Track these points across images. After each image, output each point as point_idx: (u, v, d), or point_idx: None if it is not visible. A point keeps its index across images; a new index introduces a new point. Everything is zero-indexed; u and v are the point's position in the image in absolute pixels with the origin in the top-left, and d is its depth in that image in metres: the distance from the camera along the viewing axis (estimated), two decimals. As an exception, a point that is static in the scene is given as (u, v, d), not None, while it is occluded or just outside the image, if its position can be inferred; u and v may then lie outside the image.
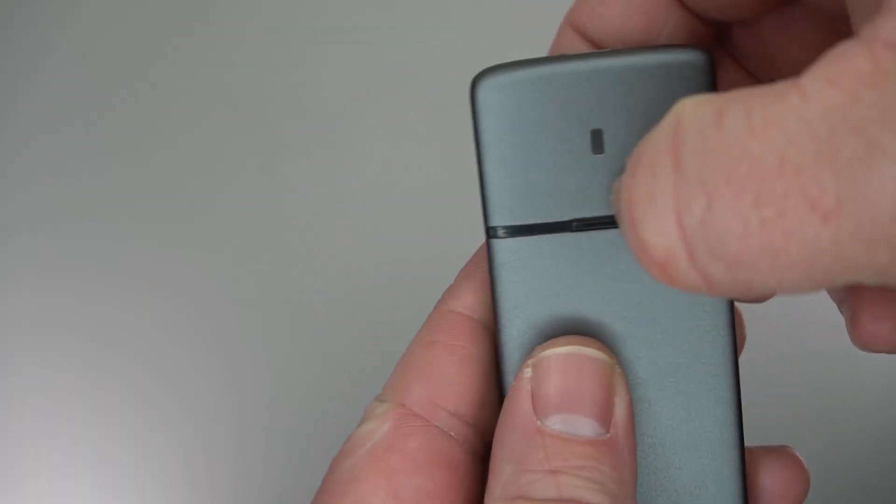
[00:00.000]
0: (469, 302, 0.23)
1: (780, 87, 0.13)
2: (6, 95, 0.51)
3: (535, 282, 0.21)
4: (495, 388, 0.22)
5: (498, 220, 0.21)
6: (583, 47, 0.23)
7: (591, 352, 0.20)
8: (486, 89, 0.21)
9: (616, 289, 0.21)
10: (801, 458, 0.23)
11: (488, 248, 0.21)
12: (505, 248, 0.21)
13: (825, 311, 0.26)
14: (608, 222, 0.20)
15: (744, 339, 0.25)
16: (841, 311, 0.24)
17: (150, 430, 0.45)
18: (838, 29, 0.20)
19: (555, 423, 0.19)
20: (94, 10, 0.52)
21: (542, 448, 0.19)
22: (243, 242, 0.48)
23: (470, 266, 0.24)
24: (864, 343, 0.23)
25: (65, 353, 0.46)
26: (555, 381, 0.19)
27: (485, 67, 0.21)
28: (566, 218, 0.20)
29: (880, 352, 0.23)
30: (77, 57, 0.52)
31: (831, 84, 0.12)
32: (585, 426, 0.19)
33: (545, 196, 0.20)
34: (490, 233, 0.21)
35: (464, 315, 0.22)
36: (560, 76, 0.20)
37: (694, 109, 0.14)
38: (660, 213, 0.14)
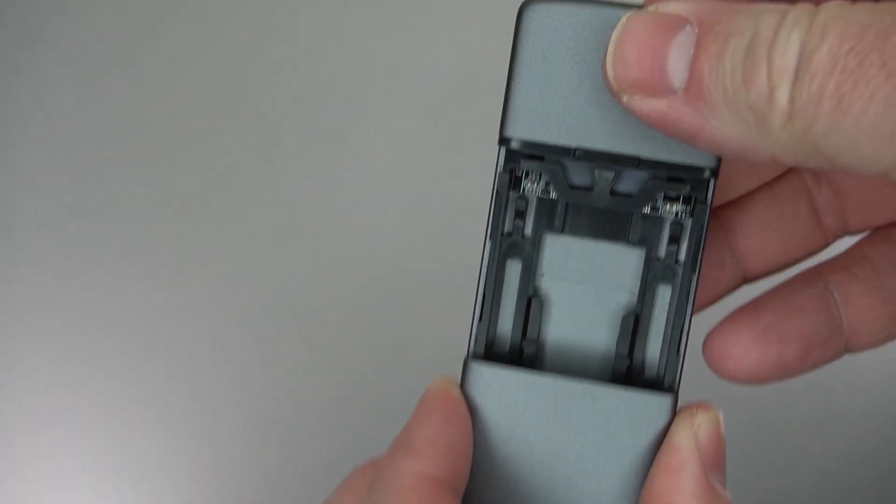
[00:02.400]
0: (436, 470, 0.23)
1: None
2: (6, 96, 0.51)
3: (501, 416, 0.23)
4: None
5: (512, 132, 0.23)
6: None
7: None
8: (532, 14, 0.23)
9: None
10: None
11: (499, 154, 0.24)
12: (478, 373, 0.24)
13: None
14: (610, 159, 0.23)
15: None
16: None
17: (149, 429, 0.45)
18: None
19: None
20: (94, 12, 0.52)
21: None
22: (244, 242, 0.48)
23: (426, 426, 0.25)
24: (715, 364, 0.24)
25: (65, 352, 0.46)
26: None
27: None
28: (572, 144, 0.22)
29: (733, 378, 0.24)
30: (78, 58, 0.52)
31: None
32: None
33: (558, 120, 0.22)
34: (504, 142, 0.23)
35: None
36: (600, 18, 0.22)
37: (831, 3, 0.17)
38: (779, 46, 0.17)
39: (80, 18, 0.52)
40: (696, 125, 0.19)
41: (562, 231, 0.24)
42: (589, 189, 0.23)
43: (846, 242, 0.26)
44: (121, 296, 0.47)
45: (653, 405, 0.23)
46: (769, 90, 0.17)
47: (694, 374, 0.25)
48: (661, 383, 0.23)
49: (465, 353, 0.25)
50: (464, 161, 0.48)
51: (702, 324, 0.25)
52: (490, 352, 0.24)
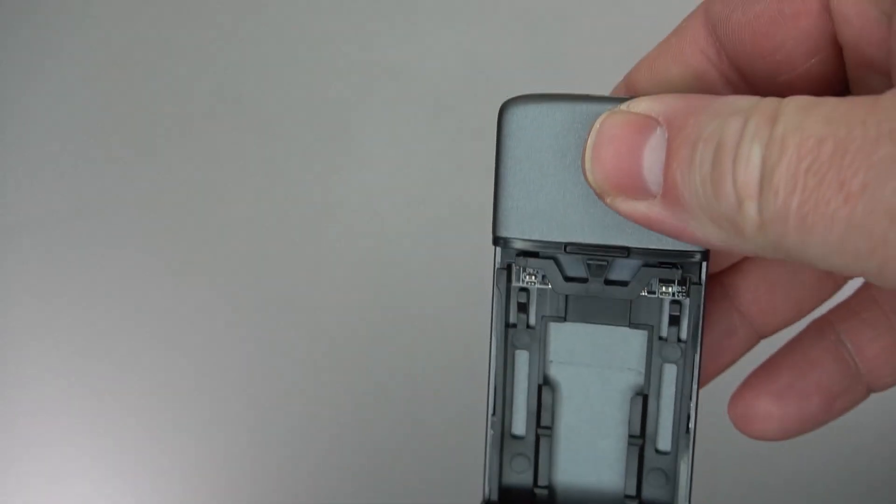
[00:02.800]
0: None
1: (862, 98, 0.16)
2: (7, 96, 0.51)
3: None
4: None
5: (504, 232, 0.24)
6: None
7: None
8: (511, 115, 0.24)
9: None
10: None
11: (495, 254, 0.25)
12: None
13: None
14: (595, 251, 0.23)
15: None
16: None
17: (149, 428, 0.45)
18: None
19: None
20: (94, 13, 0.52)
21: None
22: (244, 242, 0.48)
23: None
24: (741, 427, 0.25)
25: (65, 351, 0.46)
26: None
27: (513, 97, 0.24)
28: (562, 240, 0.23)
29: (760, 437, 0.25)
30: (78, 58, 0.52)
31: (893, 105, 0.16)
32: None
33: (547, 217, 0.23)
34: (497, 242, 0.24)
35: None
36: (577, 114, 0.23)
37: (795, 100, 0.17)
38: (742, 159, 0.17)
39: (81, 19, 0.52)
40: (678, 227, 0.19)
41: (565, 319, 0.25)
42: (584, 280, 0.24)
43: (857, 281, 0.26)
44: (121, 296, 0.47)
45: None
46: (737, 203, 0.17)
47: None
48: None
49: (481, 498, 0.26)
50: (464, 161, 0.48)
51: (730, 381, 0.26)
52: (506, 496, 0.25)
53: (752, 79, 0.23)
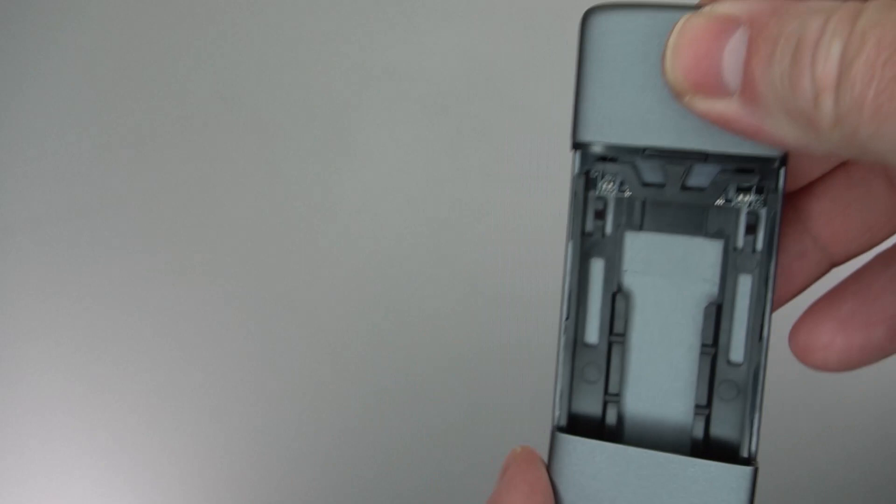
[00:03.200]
0: None
1: None
2: (6, 96, 0.51)
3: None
4: None
5: (584, 137, 0.24)
6: None
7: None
8: (595, 22, 0.24)
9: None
10: None
11: (573, 159, 0.25)
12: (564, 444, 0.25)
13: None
14: (680, 155, 0.23)
15: None
16: None
17: (150, 428, 0.45)
18: None
19: None
20: (94, 14, 0.52)
21: None
22: (244, 242, 0.48)
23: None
24: (803, 356, 0.25)
25: (66, 350, 0.46)
26: None
27: (596, 4, 0.24)
28: (641, 144, 0.23)
29: (821, 368, 0.24)
30: (78, 59, 0.52)
31: None
32: None
33: (627, 121, 0.23)
34: (577, 147, 0.24)
35: None
36: (659, 21, 0.23)
37: (873, 1, 0.18)
38: (821, 54, 0.18)
39: (81, 20, 0.52)
40: (755, 125, 0.19)
41: (641, 228, 0.25)
42: (661, 185, 0.24)
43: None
44: (120, 295, 0.47)
45: (732, 476, 0.24)
46: (814, 97, 0.18)
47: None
48: (739, 451, 0.24)
49: (551, 422, 0.25)
50: (464, 161, 0.48)
51: (791, 315, 0.25)
52: (573, 421, 0.25)
53: None
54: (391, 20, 0.52)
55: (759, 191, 0.24)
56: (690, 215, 0.25)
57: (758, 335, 0.24)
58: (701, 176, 0.24)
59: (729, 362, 0.25)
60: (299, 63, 0.51)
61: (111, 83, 0.51)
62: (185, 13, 0.52)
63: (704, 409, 0.24)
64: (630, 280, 0.25)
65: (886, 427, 0.45)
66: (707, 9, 0.20)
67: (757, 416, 0.24)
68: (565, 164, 0.43)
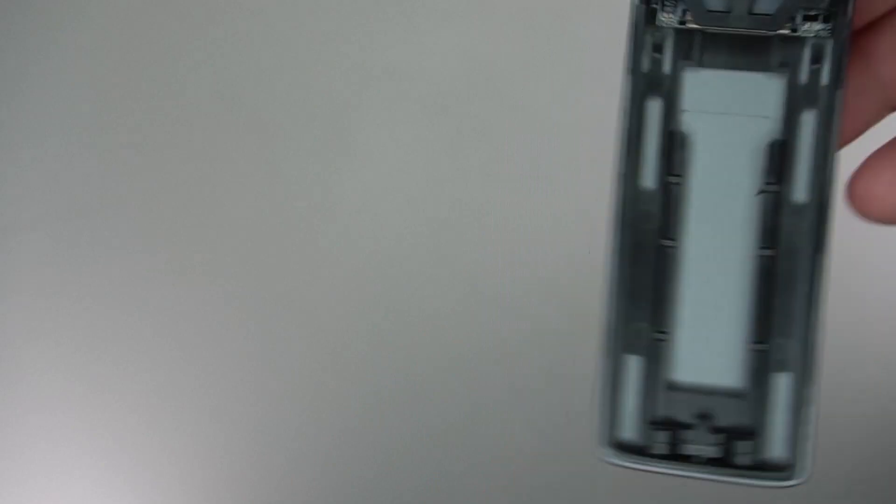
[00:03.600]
0: None
1: None
2: (6, 96, 0.51)
3: None
4: None
5: None
6: None
7: None
8: None
9: None
10: None
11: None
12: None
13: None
14: None
15: None
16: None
17: (149, 429, 0.45)
18: None
19: None
20: (93, 12, 0.52)
21: None
22: (244, 242, 0.48)
23: None
24: (860, 207, 0.23)
25: (65, 351, 0.46)
26: None
27: None
28: None
29: (877, 219, 0.23)
30: (77, 58, 0.52)
31: None
32: None
33: None
34: None
35: None
36: None
37: None
38: None
39: (81, 19, 0.52)
40: None
41: (700, 64, 0.23)
42: (726, 12, 0.22)
43: None
44: (120, 296, 0.47)
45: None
46: None
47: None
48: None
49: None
50: (464, 161, 0.48)
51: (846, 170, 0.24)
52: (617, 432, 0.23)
53: None
54: (391, 20, 0.52)
55: (826, 19, 0.22)
56: (751, 49, 0.23)
57: (824, 175, 0.23)
58: (766, 2, 0.22)
59: (792, 204, 0.23)
60: (299, 63, 0.51)
61: (111, 83, 0.51)
62: (184, 13, 0.52)
63: (769, 250, 0.23)
64: (688, 120, 0.23)
65: (885, 424, 0.45)
66: None
67: (825, 169, 0.22)
68: (565, 164, 0.43)
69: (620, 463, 0.23)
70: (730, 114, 0.23)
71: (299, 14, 0.52)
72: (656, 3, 0.23)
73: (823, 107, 0.23)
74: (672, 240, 0.23)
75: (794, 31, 0.23)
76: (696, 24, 0.23)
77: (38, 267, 0.48)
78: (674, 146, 0.23)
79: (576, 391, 0.45)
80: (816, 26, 0.23)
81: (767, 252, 0.23)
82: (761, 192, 0.23)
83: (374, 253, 0.47)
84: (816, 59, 0.23)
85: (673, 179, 0.23)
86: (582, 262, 0.45)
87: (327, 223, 0.48)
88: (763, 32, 0.23)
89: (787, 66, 0.23)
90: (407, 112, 0.49)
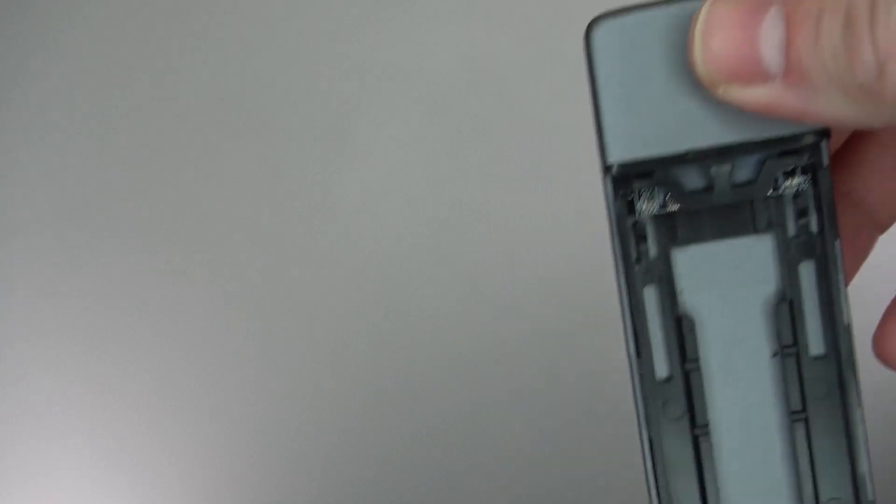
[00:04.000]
0: None
1: None
2: (6, 96, 0.51)
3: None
4: None
5: (615, 157, 0.22)
6: None
7: None
8: (602, 33, 0.22)
9: None
10: None
11: (606, 185, 0.22)
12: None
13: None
14: (723, 152, 0.21)
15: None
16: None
17: (149, 429, 0.45)
18: None
19: None
20: (93, 12, 0.52)
21: None
22: (244, 242, 0.48)
23: None
24: (878, 351, 0.24)
25: (65, 351, 0.46)
26: None
27: (598, 15, 0.22)
28: (682, 149, 0.21)
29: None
30: (77, 57, 0.52)
31: None
32: None
33: (659, 129, 0.21)
34: (609, 170, 0.22)
35: None
36: (673, 15, 0.21)
37: None
38: (880, 22, 0.16)
39: (81, 19, 0.52)
40: (801, 107, 0.18)
41: (687, 241, 0.23)
42: (708, 189, 0.22)
43: None
44: (120, 296, 0.47)
45: None
46: (878, 67, 0.16)
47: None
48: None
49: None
50: (464, 161, 0.48)
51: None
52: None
53: None
54: (391, 20, 0.52)
55: (804, 171, 0.22)
56: (734, 215, 0.23)
57: (839, 324, 0.22)
58: (744, 169, 0.22)
59: (813, 357, 0.23)
60: (299, 63, 0.51)
61: (111, 83, 0.51)
62: (184, 13, 0.52)
63: (800, 413, 0.23)
64: (689, 300, 0.23)
65: (883, 423, 0.45)
66: None
67: (841, 323, 0.22)
68: (565, 164, 0.43)
69: None
70: (729, 285, 0.23)
71: (299, 14, 0.52)
72: (633, 195, 0.22)
73: (821, 256, 0.22)
74: (703, 426, 0.23)
75: (777, 189, 0.22)
76: (682, 207, 0.22)
77: (38, 267, 0.48)
78: (682, 330, 0.23)
79: (576, 391, 0.45)
80: (797, 180, 0.22)
81: (800, 415, 0.23)
82: (776, 354, 0.23)
83: (374, 253, 0.47)
84: (803, 212, 0.22)
85: (690, 366, 0.23)
86: (582, 262, 0.45)
87: (327, 223, 0.48)
88: (750, 199, 0.22)
89: (774, 225, 0.23)
90: (407, 112, 0.49)
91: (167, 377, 0.46)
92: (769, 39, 0.18)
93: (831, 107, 0.18)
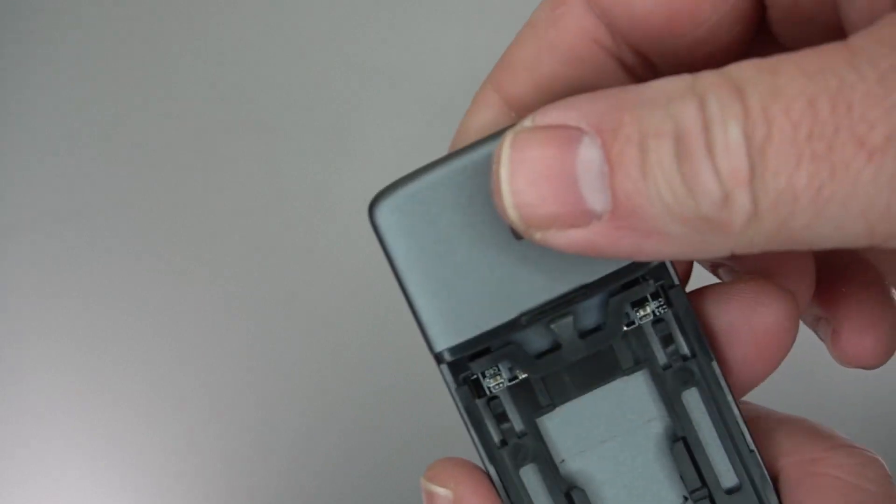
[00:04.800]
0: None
1: (828, 46, 0.14)
2: (6, 96, 0.51)
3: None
4: None
5: (442, 345, 0.20)
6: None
7: None
8: (385, 211, 0.20)
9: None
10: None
11: (443, 374, 0.20)
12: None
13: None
14: (556, 307, 0.19)
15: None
16: (817, 333, 0.24)
17: (149, 429, 0.45)
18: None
19: None
20: (94, 14, 0.52)
21: None
22: (244, 242, 0.48)
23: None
24: (847, 358, 0.23)
25: (65, 351, 0.46)
26: None
27: (377, 193, 0.20)
28: (513, 315, 0.19)
29: (862, 366, 0.23)
30: (77, 58, 0.52)
31: (880, 43, 0.14)
32: None
33: (481, 300, 0.19)
34: (441, 359, 0.20)
35: None
36: (464, 170, 0.19)
37: (748, 65, 0.15)
38: (718, 145, 0.14)
39: (81, 20, 0.52)
40: (634, 245, 0.16)
41: (554, 404, 0.20)
42: (556, 347, 0.20)
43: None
44: (120, 296, 0.47)
45: None
46: (723, 196, 0.14)
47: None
48: None
49: None
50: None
51: None
52: None
53: (660, 60, 0.20)
54: (391, 20, 0.52)
55: (656, 295, 0.20)
56: (596, 362, 0.20)
57: (744, 448, 0.20)
58: (588, 313, 0.20)
59: (727, 492, 0.20)
60: (299, 63, 0.51)
61: (111, 83, 0.51)
62: (184, 14, 0.52)
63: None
64: (574, 468, 0.20)
65: (878, 418, 0.45)
66: (529, 122, 0.16)
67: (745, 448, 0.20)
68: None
69: None
70: (612, 438, 0.20)
71: (299, 15, 0.52)
72: (476, 375, 0.20)
73: (701, 380, 0.20)
74: None
75: (633, 323, 0.20)
76: (533, 375, 0.20)
77: (38, 267, 0.48)
78: (575, 500, 0.20)
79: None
80: (651, 307, 0.20)
81: None
82: (686, 500, 0.20)
83: (375, 253, 0.47)
84: (668, 339, 0.20)
85: None
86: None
87: (327, 223, 0.48)
88: (604, 346, 0.20)
89: (644, 360, 0.20)
90: (407, 112, 0.49)
91: (167, 377, 0.46)
92: (587, 174, 0.15)
93: (669, 242, 0.15)
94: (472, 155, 0.19)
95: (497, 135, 0.18)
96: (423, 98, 0.50)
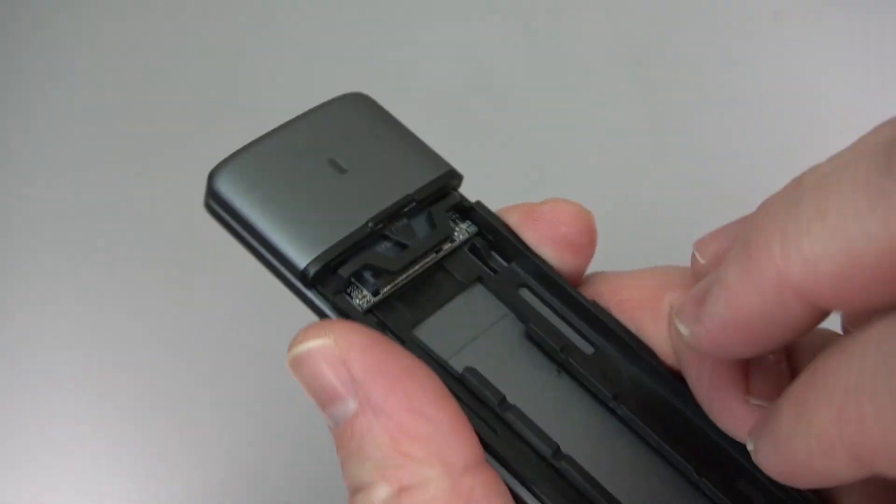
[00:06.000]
0: None
1: None
2: (9, 97, 0.51)
3: None
4: None
5: (305, 259, 0.23)
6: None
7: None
8: (223, 178, 0.26)
9: None
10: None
11: (315, 298, 0.24)
12: None
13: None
14: (391, 217, 0.23)
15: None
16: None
17: (149, 429, 0.45)
18: None
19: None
20: (95, 14, 0.52)
21: None
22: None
23: None
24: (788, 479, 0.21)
25: (65, 352, 0.46)
26: None
27: (214, 167, 0.26)
28: (360, 224, 0.23)
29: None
30: (79, 60, 0.52)
31: None
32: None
33: (330, 220, 0.23)
34: (305, 279, 0.23)
35: None
36: (282, 140, 0.25)
37: None
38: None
39: (81, 20, 0.52)
40: None
41: (419, 319, 0.23)
42: (403, 248, 0.24)
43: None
44: (120, 297, 0.47)
45: None
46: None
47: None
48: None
49: None
50: (463, 161, 0.48)
51: None
52: None
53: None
54: (392, 20, 0.52)
55: (465, 216, 0.25)
56: (440, 280, 0.24)
57: (582, 305, 0.23)
58: (420, 225, 0.24)
59: (575, 349, 0.23)
60: (299, 63, 0.51)
61: (112, 83, 0.52)
62: (185, 14, 0.52)
63: (614, 399, 0.23)
64: (460, 361, 0.23)
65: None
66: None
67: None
68: (565, 163, 0.43)
69: None
70: (478, 335, 0.23)
71: (300, 14, 0.52)
72: (343, 291, 0.23)
73: (530, 274, 0.24)
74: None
75: (454, 240, 0.25)
76: (391, 269, 0.23)
77: (38, 267, 0.48)
78: (467, 381, 0.22)
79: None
80: (464, 226, 0.25)
81: (614, 402, 0.23)
82: (559, 369, 0.23)
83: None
84: (483, 251, 0.25)
85: (503, 408, 0.22)
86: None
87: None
88: (446, 242, 0.24)
89: (473, 272, 0.24)
90: (407, 112, 0.49)
91: (167, 377, 0.46)
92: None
93: None
94: (288, 129, 0.25)
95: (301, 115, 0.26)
96: (423, 98, 0.50)
